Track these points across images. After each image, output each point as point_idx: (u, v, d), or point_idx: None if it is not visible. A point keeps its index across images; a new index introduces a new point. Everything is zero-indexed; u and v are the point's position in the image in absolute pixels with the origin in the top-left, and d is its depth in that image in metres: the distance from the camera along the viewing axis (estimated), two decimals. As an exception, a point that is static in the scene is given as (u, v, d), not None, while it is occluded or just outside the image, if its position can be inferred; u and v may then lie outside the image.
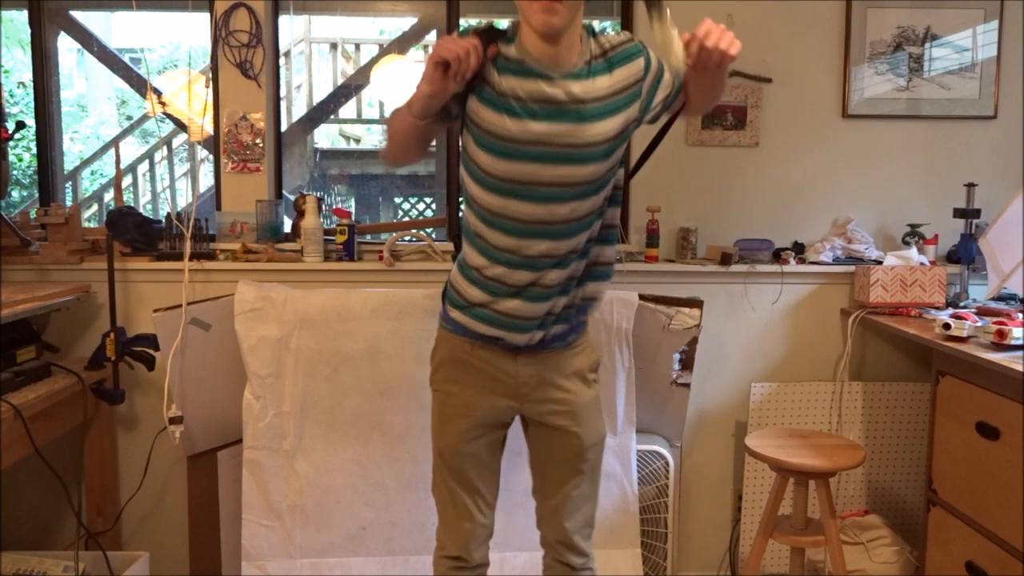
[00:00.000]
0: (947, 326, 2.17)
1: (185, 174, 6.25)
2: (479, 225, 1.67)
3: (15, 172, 6.33)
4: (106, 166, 6.25)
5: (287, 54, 5.31)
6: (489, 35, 1.60)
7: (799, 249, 2.76)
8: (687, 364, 2.51)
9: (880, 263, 2.65)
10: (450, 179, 2.88)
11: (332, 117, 6.27)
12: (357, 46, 6.33)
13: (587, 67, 1.60)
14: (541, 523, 1.88)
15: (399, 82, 4.65)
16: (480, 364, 1.75)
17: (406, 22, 4.80)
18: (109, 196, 5.89)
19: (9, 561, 2.33)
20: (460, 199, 1.79)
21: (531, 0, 1.51)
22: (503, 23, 1.66)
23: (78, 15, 4.26)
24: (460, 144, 1.73)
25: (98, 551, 2.38)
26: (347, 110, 6.16)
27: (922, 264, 2.61)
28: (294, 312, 2.35)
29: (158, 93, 3.47)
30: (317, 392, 2.36)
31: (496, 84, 1.59)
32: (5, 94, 5.42)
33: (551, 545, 1.86)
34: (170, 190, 6.20)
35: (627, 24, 2.79)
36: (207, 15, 2.64)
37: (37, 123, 2.84)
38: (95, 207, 5.90)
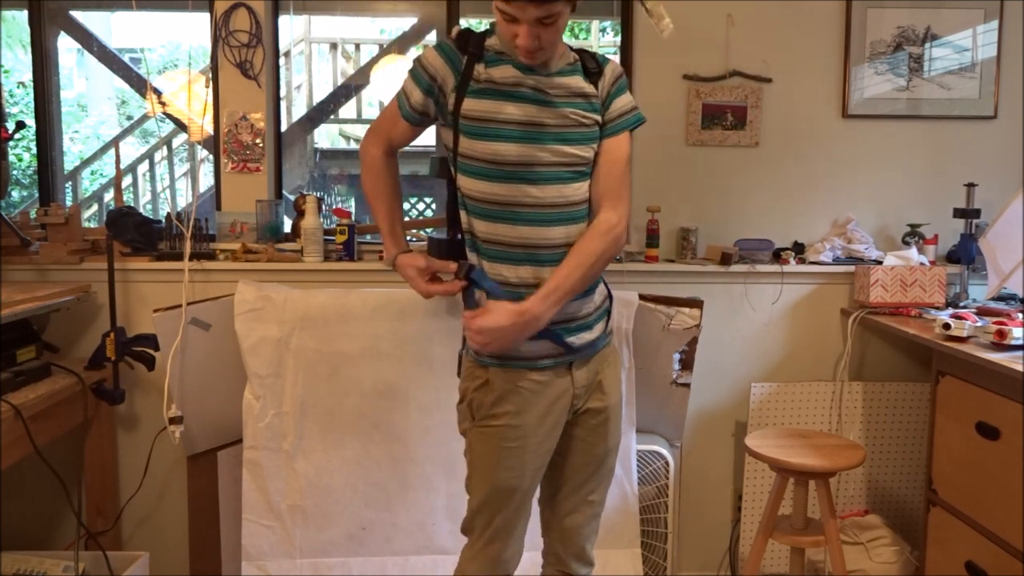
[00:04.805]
0: (947, 326, 2.17)
1: (185, 174, 6.24)
2: (477, 221, 1.71)
3: (15, 172, 6.32)
4: (106, 166, 6.25)
5: (287, 54, 5.30)
6: (465, 39, 1.66)
7: (799, 249, 2.76)
8: (687, 364, 2.51)
9: (880, 263, 2.65)
10: (450, 179, 2.87)
11: (332, 117, 6.26)
12: (357, 46, 6.33)
13: (568, 67, 1.68)
14: (549, 531, 1.84)
15: (399, 82, 4.64)
16: (538, 387, 1.68)
17: (406, 22, 4.79)
18: (109, 196, 5.89)
19: (9, 561, 2.33)
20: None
21: (512, 42, 1.57)
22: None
23: (78, 15, 4.25)
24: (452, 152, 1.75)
25: (98, 551, 2.39)
26: (347, 110, 6.16)
27: (922, 264, 2.61)
28: (294, 312, 2.36)
29: (158, 93, 3.47)
30: (317, 392, 2.36)
31: (479, 75, 1.64)
32: (5, 94, 5.42)
33: (558, 556, 1.83)
34: (170, 190, 6.20)
35: (627, 24, 2.79)
36: (207, 15, 2.64)
37: (37, 123, 2.84)
38: (95, 207, 5.90)
